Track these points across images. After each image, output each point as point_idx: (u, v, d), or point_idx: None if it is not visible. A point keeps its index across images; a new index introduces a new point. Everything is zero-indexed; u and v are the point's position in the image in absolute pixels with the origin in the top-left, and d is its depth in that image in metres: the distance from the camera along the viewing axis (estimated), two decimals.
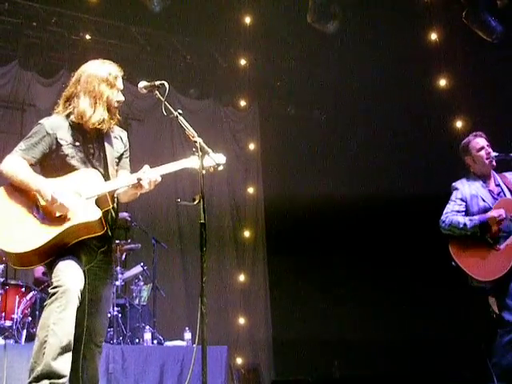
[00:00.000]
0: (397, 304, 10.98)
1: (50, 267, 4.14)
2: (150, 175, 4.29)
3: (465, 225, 5.82)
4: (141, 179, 4.27)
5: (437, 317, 10.60)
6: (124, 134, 4.63)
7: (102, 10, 10.04)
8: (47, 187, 4.13)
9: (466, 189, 6.10)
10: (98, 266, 4.34)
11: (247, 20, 10.63)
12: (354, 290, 11.32)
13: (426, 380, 9.47)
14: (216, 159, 4.00)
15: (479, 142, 6.17)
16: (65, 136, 4.32)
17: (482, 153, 6.12)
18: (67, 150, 4.31)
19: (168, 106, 4.23)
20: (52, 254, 4.11)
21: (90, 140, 4.40)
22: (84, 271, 4.14)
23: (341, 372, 10.47)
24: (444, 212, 6.03)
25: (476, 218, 5.85)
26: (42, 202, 4.15)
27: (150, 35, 10.63)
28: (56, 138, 4.30)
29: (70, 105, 4.41)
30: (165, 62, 10.74)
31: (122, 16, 10.32)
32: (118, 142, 4.56)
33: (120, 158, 4.56)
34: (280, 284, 11.54)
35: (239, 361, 10.88)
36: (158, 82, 4.36)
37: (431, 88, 11.01)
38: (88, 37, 10.34)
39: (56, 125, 4.34)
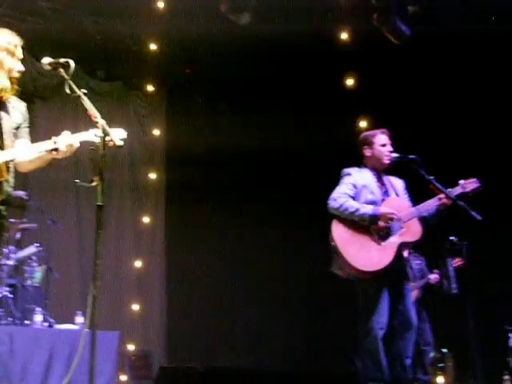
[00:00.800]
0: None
1: None
2: (68, 139, 4.20)
3: (357, 210, 5.93)
4: (57, 143, 4.18)
5: None
6: (23, 105, 4.53)
7: None
8: None
9: (358, 177, 6.23)
10: None
11: (160, 5, 10.51)
12: (258, 283, 11.45)
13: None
14: (116, 138, 3.93)
15: (384, 138, 6.32)
16: None
17: (384, 149, 6.26)
18: None
19: (72, 84, 4.15)
20: None
21: None
22: None
23: (233, 363, 10.53)
24: (335, 192, 6.12)
25: (369, 207, 5.97)
26: None
27: (60, 12, 10.37)
28: None
29: None
30: (74, 41, 10.50)
31: None
32: (16, 112, 4.45)
33: (19, 128, 4.45)
34: (178, 271, 11.51)
35: (131, 347, 10.80)
36: (62, 60, 4.27)
37: (339, 86, 11.19)
38: None
39: None
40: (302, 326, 11.48)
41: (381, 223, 5.95)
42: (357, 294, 6.03)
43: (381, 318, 5.86)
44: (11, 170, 4.32)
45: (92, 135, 4.21)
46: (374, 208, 5.99)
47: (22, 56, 4.41)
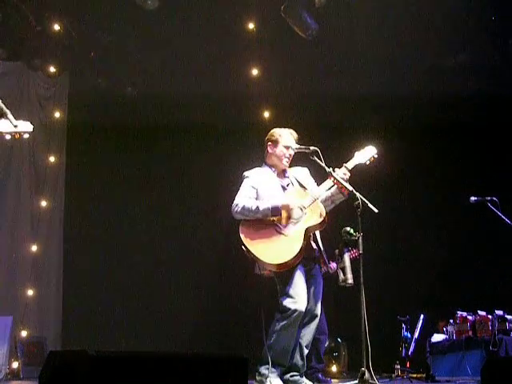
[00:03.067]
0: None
1: None
2: None
3: (257, 207, 6.01)
4: None
5: None
6: None
7: None
8: None
9: (256, 177, 6.32)
10: None
11: None
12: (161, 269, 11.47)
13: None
14: (14, 122, 3.86)
15: (290, 141, 6.41)
16: None
17: (286, 152, 6.37)
18: None
19: None
20: None
21: None
22: None
23: (130, 348, 10.49)
24: (236, 197, 6.19)
25: (268, 202, 6.06)
26: None
27: None
28: None
29: None
30: None
31: None
32: None
33: None
34: (76, 256, 11.36)
35: (24, 333, 10.59)
36: None
37: (244, 76, 11.25)
38: None
39: None
40: (200, 311, 11.52)
41: (284, 214, 6.04)
42: (278, 287, 6.10)
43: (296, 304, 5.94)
44: None
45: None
46: (272, 201, 6.07)
47: None
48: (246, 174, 6.42)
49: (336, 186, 6.19)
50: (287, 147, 6.37)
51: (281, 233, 6.03)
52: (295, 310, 5.91)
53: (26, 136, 4.32)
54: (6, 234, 10.65)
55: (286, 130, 6.50)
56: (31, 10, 10.75)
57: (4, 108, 3.83)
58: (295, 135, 6.47)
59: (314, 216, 6.11)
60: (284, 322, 5.95)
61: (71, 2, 10.52)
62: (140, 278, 11.38)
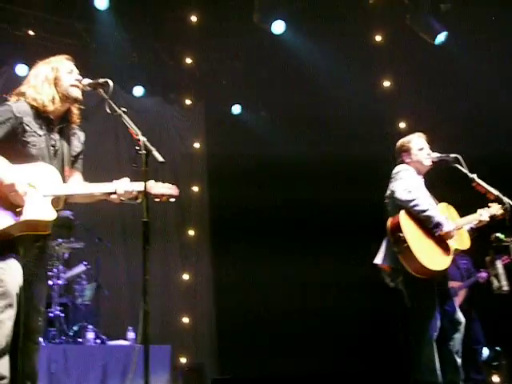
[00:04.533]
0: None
1: None
2: (128, 188, 4.29)
3: (427, 210, 5.84)
4: (118, 190, 4.28)
5: None
6: (82, 135, 4.62)
7: (45, 5, 9.92)
8: (8, 173, 4.05)
9: (414, 176, 6.15)
10: (33, 261, 4.27)
11: (193, 18, 10.63)
12: (303, 286, 11.42)
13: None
14: (159, 157, 3.97)
15: (420, 142, 6.27)
16: (30, 123, 4.26)
17: (423, 153, 6.21)
18: (30, 137, 4.24)
19: (112, 103, 4.20)
20: None
21: (52, 133, 4.36)
22: (22, 266, 4.09)
23: (285, 370, 10.51)
24: (405, 185, 5.95)
25: (438, 213, 5.90)
26: (1, 187, 4.05)
27: (95, 32, 10.50)
28: (22, 123, 4.23)
29: (22, 93, 4.38)
30: (110, 60, 10.61)
31: (66, 12, 10.20)
32: (76, 141, 4.55)
33: (76, 157, 4.55)
34: (225, 282, 11.52)
35: (183, 360, 10.84)
36: (101, 80, 4.34)
37: (376, 89, 11.16)
38: (31, 33, 10.18)
39: (23, 109, 4.28)
40: (350, 331, 11.40)
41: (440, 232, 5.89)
42: (407, 293, 5.96)
43: (435, 321, 5.80)
44: (66, 201, 4.41)
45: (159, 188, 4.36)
46: (442, 217, 5.92)
47: (71, 67, 4.52)
48: (402, 166, 6.21)
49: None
50: (421, 149, 6.23)
51: (437, 243, 5.88)
52: (431, 328, 5.76)
53: (173, 200, 4.46)
54: (158, 263, 10.91)
55: (411, 135, 6.37)
56: (163, 47, 11.12)
57: (148, 145, 3.95)
58: (423, 135, 6.33)
59: (462, 241, 6.03)
60: (423, 341, 5.80)
61: (200, 34, 10.79)
62: (289, 301, 11.38)
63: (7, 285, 3.94)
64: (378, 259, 6.02)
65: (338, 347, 10.99)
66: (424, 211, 5.81)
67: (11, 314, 3.95)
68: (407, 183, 5.96)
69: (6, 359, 3.94)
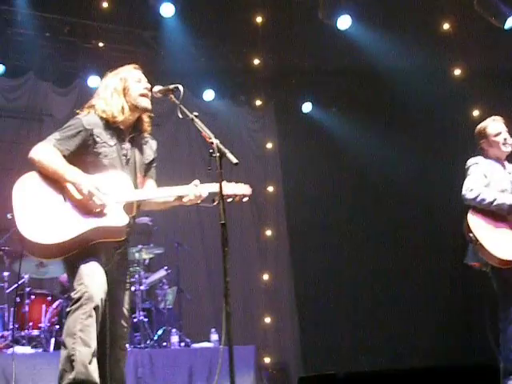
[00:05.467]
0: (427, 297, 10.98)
1: (70, 265, 4.17)
2: (200, 190, 4.34)
3: (494, 200, 5.73)
4: (189, 194, 4.33)
5: None
6: (154, 143, 4.70)
7: (113, 16, 10.09)
8: (85, 181, 4.14)
9: (485, 165, 6.02)
10: (116, 268, 4.36)
11: (258, 19, 10.65)
12: (384, 285, 11.31)
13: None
14: (233, 159, 3.99)
15: (497, 126, 6.13)
16: (101, 134, 4.36)
17: (500, 137, 6.07)
18: (101, 148, 4.34)
19: (183, 109, 4.24)
20: (74, 248, 4.12)
21: (124, 142, 4.45)
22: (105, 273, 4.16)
23: (371, 366, 10.44)
24: (468, 182, 5.89)
25: (507, 197, 5.78)
26: (77, 196, 4.15)
27: (163, 39, 10.62)
28: (92, 135, 4.33)
29: (92, 106, 4.46)
30: (179, 66, 10.72)
31: (133, 21, 10.35)
32: (149, 149, 4.62)
33: (148, 165, 4.61)
34: (305, 280, 11.51)
35: (267, 360, 10.87)
36: (172, 86, 4.39)
37: (446, 78, 11.00)
38: (101, 44, 10.36)
39: (93, 121, 4.38)
40: (432, 323, 11.26)
41: None
42: (495, 284, 5.86)
43: None
44: (139, 207, 4.48)
45: (231, 188, 4.47)
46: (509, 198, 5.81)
47: (139, 76, 4.60)
48: (473, 160, 6.11)
49: None
50: (497, 134, 6.09)
51: None
52: None
53: (246, 199, 4.49)
54: (237, 264, 10.96)
55: (487, 120, 6.23)
56: (230, 50, 11.17)
57: (222, 147, 3.97)
58: (499, 119, 6.18)
59: None
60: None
61: (266, 34, 10.80)
62: (369, 295, 11.33)
63: (92, 290, 4.02)
64: (467, 259, 5.96)
65: (422, 343, 10.88)
66: (492, 202, 5.72)
67: (97, 319, 4.02)
68: (472, 180, 5.88)
69: (95, 364, 4.01)
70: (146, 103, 4.48)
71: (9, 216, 4.17)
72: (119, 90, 4.46)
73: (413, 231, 11.49)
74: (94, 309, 4.00)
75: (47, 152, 4.22)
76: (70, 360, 3.95)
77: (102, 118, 4.40)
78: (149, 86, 4.52)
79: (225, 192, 4.26)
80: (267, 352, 10.97)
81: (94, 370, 3.98)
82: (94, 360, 4.00)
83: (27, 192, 4.18)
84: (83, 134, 4.31)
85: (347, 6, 10.13)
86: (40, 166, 4.21)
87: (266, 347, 11.04)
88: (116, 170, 4.35)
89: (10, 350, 7.46)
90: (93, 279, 4.06)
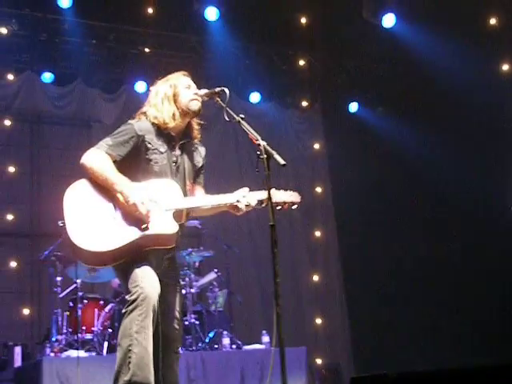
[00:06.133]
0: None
1: (122, 271, 4.21)
2: (249, 199, 4.35)
3: None
4: (239, 202, 4.35)
5: None
6: (203, 150, 4.71)
7: (158, 22, 10.16)
8: (133, 192, 4.18)
9: None
10: (165, 273, 4.38)
11: (303, 20, 10.64)
12: (437, 284, 11.18)
13: None
14: (281, 161, 3.98)
15: None
16: (152, 140, 4.39)
17: None
18: (152, 155, 4.37)
19: (230, 111, 4.25)
20: (125, 256, 4.17)
21: (174, 149, 4.48)
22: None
23: (423, 366, 10.34)
24: None
25: None
26: (127, 205, 4.19)
27: (208, 43, 10.68)
28: (144, 141, 4.36)
29: (143, 113, 4.51)
30: (224, 69, 10.76)
31: (178, 26, 10.41)
32: (198, 156, 4.64)
33: (197, 172, 4.63)
34: (355, 280, 11.47)
35: (319, 361, 10.85)
36: (218, 89, 4.40)
37: (495, 74, 10.86)
38: (147, 50, 10.46)
39: (145, 127, 4.41)
40: (488, 322, 11.11)
41: None
42: None
43: None
44: (189, 215, 4.50)
45: (280, 195, 4.44)
46: None
47: (188, 82, 4.60)
48: None
49: None
50: None
51: None
52: None
53: (295, 207, 4.49)
54: (287, 265, 10.95)
55: None
56: (275, 52, 11.18)
57: (269, 149, 3.97)
58: None
59: None
60: None
61: (311, 35, 10.79)
62: (420, 296, 11.20)
63: (147, 291, 4.05)
64: None
65: (480, 342, 10.73)
66: None
67: (152, 320, 4.05)
68: None
69: (151, 366, 4.04)
70: (197, 106, 4.50)
71: (60, 223, 4.22)
72: (169, 96, 4.49)
73: (467, 228, 11.33)
74: (151, 310, 4.03)
75: (99, 159, 4.25)
76: (127, 362, 3.98)
77: (153, 124, 4.43)
78: (198, 91, 4.53)
79: (274, 200, 4.26)
80: (318, 353, 10.94)
81: (149, 372, 4.01)
82: (150, 362, 4.03)
83: (78, 199, 4.22)
84: (135, 140, 4.34)
85: (391, 4, 10.08)
86: (91, 172, 4.24)
87: (318, 348, 11.01)
88: (166, 178, 4.37)
89: (64, 354, 7.56)
90: (147, 281, 4.09)
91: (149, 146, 4.36)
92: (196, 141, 4.65)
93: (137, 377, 3.96)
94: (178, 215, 4.31)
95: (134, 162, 4.35)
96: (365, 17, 10.09)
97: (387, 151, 11.42)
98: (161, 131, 4.43)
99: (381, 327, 11.05)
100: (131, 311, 4.05)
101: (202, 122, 4.67)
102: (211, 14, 9.96)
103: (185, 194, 4.42)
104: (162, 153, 4.39)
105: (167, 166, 4.41)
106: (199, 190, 4.65)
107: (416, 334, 10.91)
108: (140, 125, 4.41)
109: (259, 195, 4.38)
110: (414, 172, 11.30)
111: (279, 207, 4.44)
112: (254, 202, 4.39)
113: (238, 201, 4.38)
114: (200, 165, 4.67)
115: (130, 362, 3.97)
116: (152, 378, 4.02)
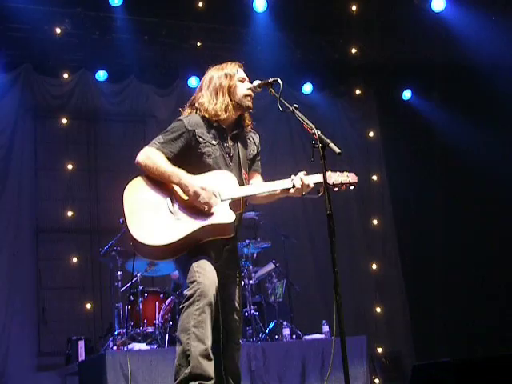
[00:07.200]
0: None
1: (181, 265, 4.25)
2: (306, 181, 4.33)
3: None
4: (295, 185, 4.33)
5: None
6: (257, 137, 4.69)
7: (209, 15, 10.19)
8: (192, 182, 4.21)
9: None
10: (225, 264, 4.39)
11: (353, 8, 10.55)
12: (496, 272, 11.02)
13: None
14: (336, 149, 3.97)
15: None
16: (203, 134, 4.39)
17: None
18: (204, 148, 4.38)
19: (283, 101, 4.25)
20: (184, 248, 4.19)
21: (226, 140, 4.48)
22: (216, 270, 4.20)
23: (484, 353, 10.22)
24: None
25: None
26: (184, 197, 4.23)
27: (258, 35, 10.66)
28: (195, 135, 4.37)
29: (193, 105, 4.52)
30: (276, 60, 10.75)
31: (228, 19, 10.42)
32: (252, 144, 4.63)
33: (253, 160, 4.63)
34: (414, 268, 11.38)
35: (379, 350, 10.79)
36: (271, 79, 4.39)
37: None
38: (199, 43, 10.51)
39: (195, 122, 4.41)
40: None
41: None
42: None
43: None
44: (246, 203, 4.50)
45: (337, 177, 4.42)
46: None
47: (242, 75, 4.59)
48: None
49: None
50: None
51: None
52: None
53: (353, 187, 4.46)
54: (345, 254, 10.89)
55: None
56: (326, 41, 11.12)
57: (324, 138, 3.96)
58: None
59: None
60: None
61: (362, 22, 10.71)
62: (481, 279, 11.06)
63: (204, 286, 4.07)
64: None
65: None
66: None
67: (210, 314, 4.07)
68: None
69: (211, 359, 4.05)
70: (250, 103, 4.50)
71: (120, 221, 4.27)
72: (224, 86, 4.48)
73: None
74: (207, 305, 4.05)
75: (152, 156, 4.28)
76: (186, 355, 4.01)
77: (204, 117, 4.43)
78: (251, 85, 4.52)
79: (330, 181, 4.24)
80: (379, 341, 10.87)
81: (209, 365, 4.03)
82: (210, 355, 4.05)
83: (136, 196, 4.27)
84: (186, 136, 4.36)
85: None
86: (146, 169, 4.29)
87: (378, 337, 10.95)
88: (220, 169, 4.39)
89: (126, 348, 7.66)
90: (204, 276, 4.11)
91: (200, 139, 4.36)
92: (249, 128, 4.64)
93: (196, 369, 3.98)
94: (235, 205, 4.32)
95: (187, 157, 4.37)
96: (415, 1, 10.00)
97: (441, 138, 11.30)
98: (211, 124, 4.43)
99: (441, 314, 10.96)
100: (188, 306, 4.06)
101: (253, 110, 4.64)
102: (260, 4, 9.97)
103: (241, 184, 4.41)
104: (213, 145, 4.40)
105: (220, 158, 4.41)
106: (256, 178, 4.64)
107: (477, 321, 10.78)
108: (190, 119, 4.42)
109: (315, 178, 4.35)
110: (470, 159, 11.12)
111: (336, 189, 4.41)
112: (311, 183, 4.35)
113: (293, 185, 4.36)
114: (255, 153, 4.66)
115: (189, 356, 3.99)
116: (212, 370, 4.04)
